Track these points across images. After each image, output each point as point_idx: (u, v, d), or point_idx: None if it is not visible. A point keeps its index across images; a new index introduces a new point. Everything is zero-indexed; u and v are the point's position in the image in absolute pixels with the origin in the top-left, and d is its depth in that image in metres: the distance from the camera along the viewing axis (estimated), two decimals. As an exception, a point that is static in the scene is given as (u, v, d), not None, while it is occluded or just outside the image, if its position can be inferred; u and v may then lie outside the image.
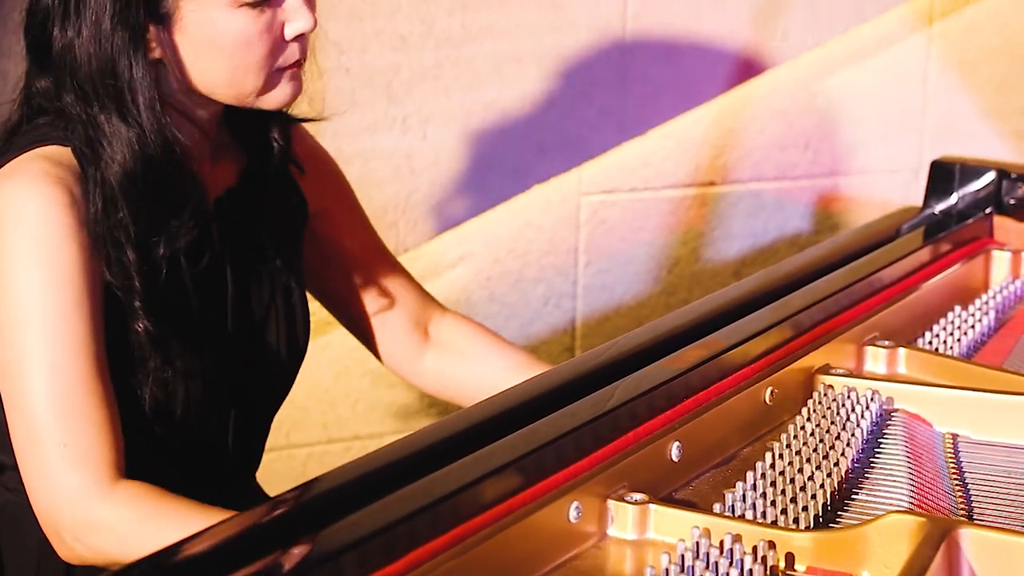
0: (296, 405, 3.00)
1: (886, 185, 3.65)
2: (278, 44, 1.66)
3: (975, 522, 1.38)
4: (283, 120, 1.81)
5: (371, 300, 1.98)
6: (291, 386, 1.89)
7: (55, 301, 1.59)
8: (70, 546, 1.60)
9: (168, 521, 1.55)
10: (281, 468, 3.05)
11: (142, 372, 1.67)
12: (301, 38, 1.68)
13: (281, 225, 1.83)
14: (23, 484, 1.71)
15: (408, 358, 2.01)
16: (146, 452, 1.67)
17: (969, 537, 1.27)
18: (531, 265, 3.27)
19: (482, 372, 1.99)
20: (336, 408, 3.15)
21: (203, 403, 1.73)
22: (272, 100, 1.69)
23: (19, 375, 1.60)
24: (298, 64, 1.69)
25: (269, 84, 1.68)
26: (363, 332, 2.00)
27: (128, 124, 1.63)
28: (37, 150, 1.64)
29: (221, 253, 1.76)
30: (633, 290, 3.42)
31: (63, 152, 1.64)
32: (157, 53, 1.64)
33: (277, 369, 1.85)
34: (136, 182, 1.63)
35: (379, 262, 1.99)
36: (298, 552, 1.12)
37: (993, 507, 1.45)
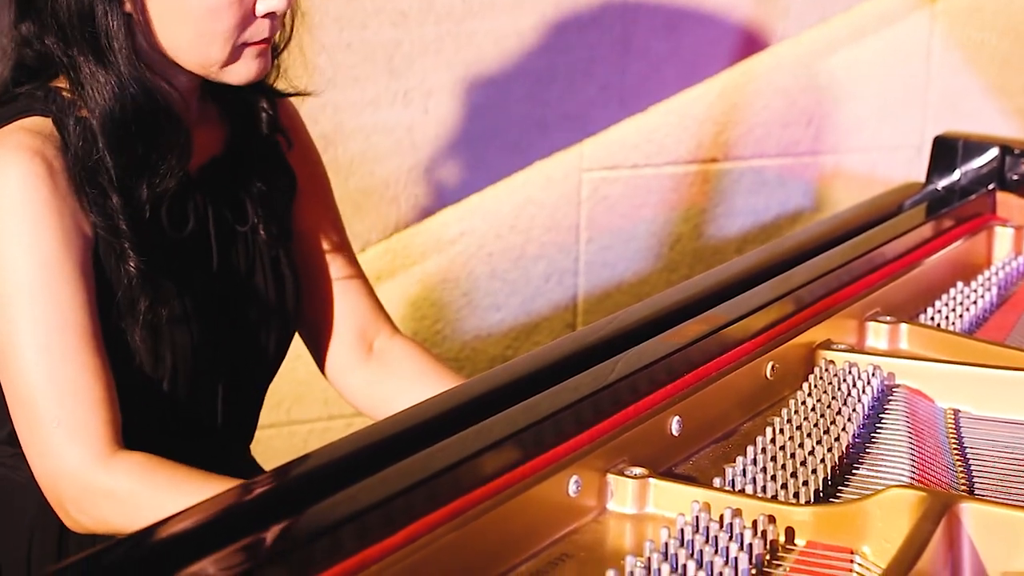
0: (297, 381, 3.00)
1: (888, 162, 3.64)
2: (247, 18, 1.65)
3: (976, 496, 1.38)
4: (271, 94, 1.81)
5: (322, 300, 1.93)
6: (282, 357, 1.87)
7: (42, 277, 1.59)
8: (74, 517, 1.61)
9: (171, 490, 1.56)
10: (282, 444, 3.05)
11: (131, 317, 1.66)
12: (273, 16, 1.67)
13: (268, 195, 1.81)
14: (14, 459, 1.72)
15: (344, 368, 1.95)
16: (139, 420, 1.66)
17: (970, 511, 1.26)
18: (532, 241, 3.26)
19: (413, 395, 1.88)
20: (337, 384, 3.14)
21: (192, 361, 1.71)
22: (236, 74, 1.68)
23: (11, 353, 1.60)
24: (266, 42, 1.68)
25: (233, 57, 1.66)
26: (306, 329, 1.95)
27: (107, 69, 1.63)
28: (16, 123, 1.63)
29: (205, 220, 1.75)
30: (635, 267, 3.41)
31: (43, 123, 1.64)
32: (128, 7, 1.63)
33: (266, 338, 1.83)
34: (117, 125, 1.63)
35: (342, 264, 1.93)
36: (297, 524, 1.11)
37: (994, 482, 1.45)
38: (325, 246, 1.92)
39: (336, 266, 1.93)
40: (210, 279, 1.75)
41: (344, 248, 1.95)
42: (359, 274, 1.96)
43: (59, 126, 1.63)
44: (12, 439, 1.71)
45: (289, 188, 1.86)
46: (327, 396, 3.12)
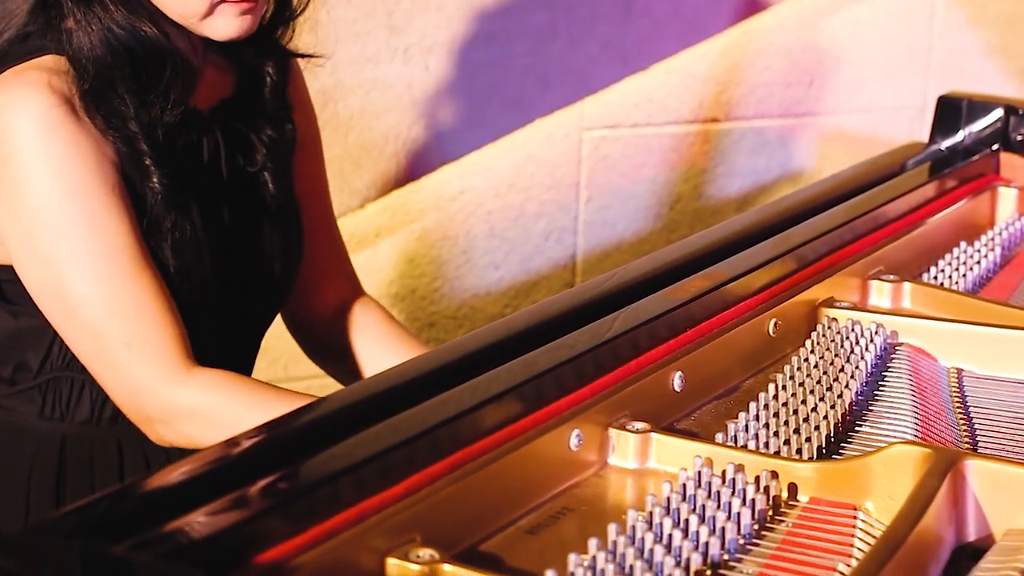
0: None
1: (891, 123, 3.62)
2: None
3: (981, 453, 1.37)
4: (278, 54, 1.81)
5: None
6: (286, 299, 1.88)
7: (80, 205, 1.60)
8: (160, 434, 1.63)
9: (252, 406, 1.57)
10: (279, 401, 3.03)
11: (159, 235, 1.66)
12: None
13: (276, 141, 1.81)
14: (12, 399, 1.73)
15: (306, 318, 1.95)
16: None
17: (975, 468, 1.25)
18: (532, 200, 3.25)
19: (371, 359, 1.93)
20: (335, 341, 3.13)
21: (208, 288, 1.72)
22: (215, 29, 1.66)
23: (66, 287, 1.61)
24: (249, 1, 1.66)
25: (212, 11, 1.65)
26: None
27: (107, 11, 1.63)
28: (31, 61, 1.64)
29: (217, 157, 1.75)
30: (634, 226, 3.40)
31: (57, 60, 1.64)
32: None
33: (272, 274, 1.83)
34: (124, 59, 1.63)
35: (321, 227, 1.93)
36: (295, 475, 1.10)
37: (997, 441, 1.44)
38: (311, 205, 1.91)
39: (318, 227, 1.92)
40: (221, 213, 1.75)
41: (327, 208, 1.95)
42: (337, 237, 1.97)
43: (73, 62, 1.64)
44: (14, 378, 1.72)
45: (292, 139, 1.85)
46: (325, 353, 3.10)
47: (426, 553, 1.09)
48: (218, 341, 1.76)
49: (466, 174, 3.17)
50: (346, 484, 1.11)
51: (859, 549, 1.19)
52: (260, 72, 1.80)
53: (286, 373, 3.05)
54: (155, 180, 1.65)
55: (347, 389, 1.31)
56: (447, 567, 1.08)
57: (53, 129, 1.59)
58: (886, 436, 1.40)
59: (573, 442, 1.29)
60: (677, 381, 1.44)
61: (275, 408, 1.52)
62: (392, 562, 1.08)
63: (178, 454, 1.75)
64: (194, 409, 1.60)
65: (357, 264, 3.08)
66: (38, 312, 1.67)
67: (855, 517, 1.24)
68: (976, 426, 1.48)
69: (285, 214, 1.83)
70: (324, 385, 3.11)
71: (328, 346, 1.96)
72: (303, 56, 1.86)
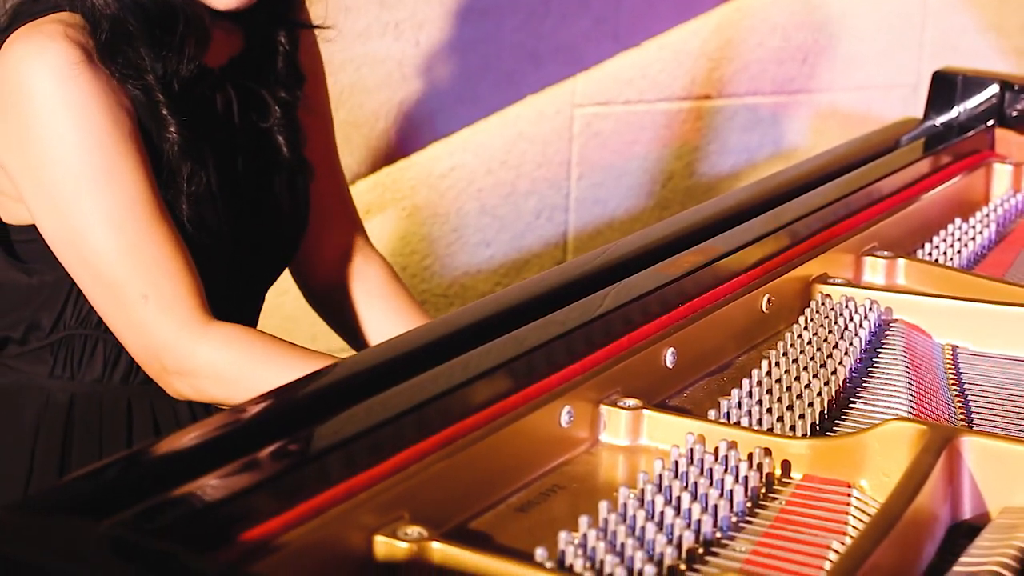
0: (285, 316, 2.98)
1: (884, 101, 3.61)
2: None
3: (977, 430, 1.35)
4: (289, 25, 1.81)
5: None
6: (291, 258, 1.89)
7: (100, 157, 1.59)
8: (177, 388, 1.62)
9: (270, 364, 1.57)
10: (269, 379, 3.02)
11: (175, 187, 1.66)
12: None
13: (287, 102, 1.82)
14: (19, 359, 1.74)
15: (312, 275, 1.96)
16: None
17: (971, 445, 1.24)
18: (523, 177, 3.23)
19: (374, 319, 1.94)
20: (325, 319, 3.11)
21: (221, 243, 1.72)
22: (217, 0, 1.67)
23: (84, 239, 1.60)
24: None
25: None
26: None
27: None
28: (48, 17, 1.63)
29: (229, 114, 1.76)
30: (626, 204, 3.38)
31: (73, 16, 1.64)
32: None
33: (279, 232, 1.84)
34: (139, 15, 1.63)
35: (326, 173, 1.93)
36: (283, 451, 1.08)
37: (993, 418, 1.42)
38: (320, 161, 1.91)
39: (327, 183, 1.93)
40: (235, 166, 1.75)
41: (335, 166, 1.96)
42: (347, 194, 1.98)
43: (88, 18, 1.63)
44: (26, 338, 1.73)
45: (298, 92, 1.85)
46: (315, 331, 3.09)
47: (415, 531, 1.08)
48: (226, 297, 1.76)
49: (457, 151, 3.15)
50: (334, 461, 1.09)
51: (853, 527, 1.18)
52: (272, 41, 1.80)
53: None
54: (172, 130, 1.65)
55: (336, 365, 1.29)
56: (436, 545, 1.06)
57: (71, 79, 1.59)
58: (880, 413, 1.39)
59: (564, 419, 1.28)
60: (669, 357, 1.43)
61: (292, 365, 1.54)
62: (380, 540, 1.07)
63: (187, 413, 1.77)
64: (212, 364, 1.59)
65: (347, 241, 3.08)
66: (52, 271, 1.67)
67: (849, 494, 1.23)
68: (971, 403, 1.46)
69: (296, 175, 1.84)
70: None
71: (329, 293, 1.97)
72: (311, 27, 1.87)
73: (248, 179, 1.78)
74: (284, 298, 3.00)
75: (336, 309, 1.98)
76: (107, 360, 1.73)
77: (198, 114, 1.70)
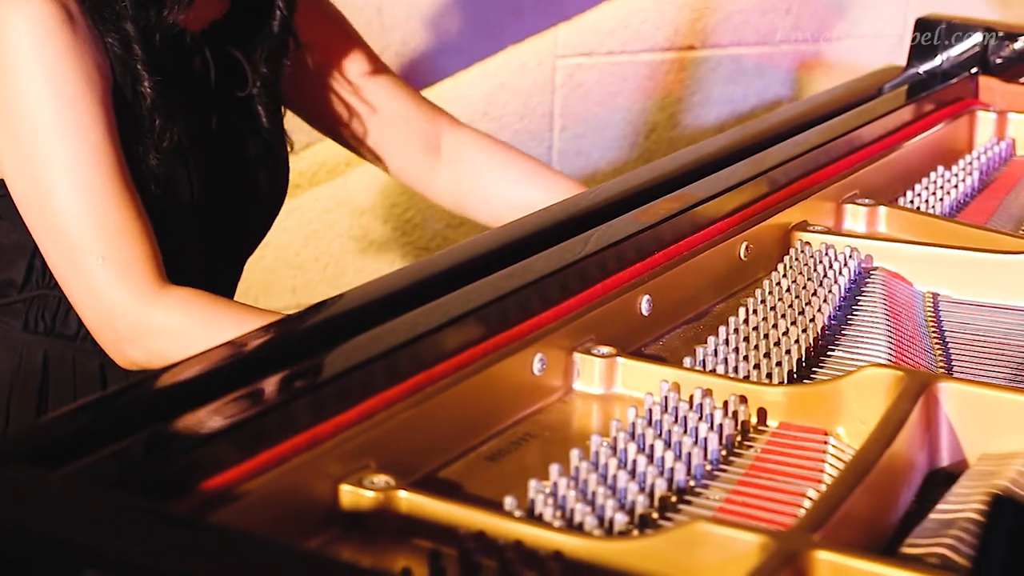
0: (265, 269, 2.96)
1: (869, 51, 3.58)
2: None
3: (955, 376, 1.33)
4: None
5: (376, 124, 1.96)
6: (269, 225, 1.88)
7: (70, 115, 1.58)
8: (129, 355, 1.60)
9: (227, 325, 1.54)
10: (249, 333, 2.99)
11: (147, 140, 1.65)
12: None
13: (270, 65, 1.81)
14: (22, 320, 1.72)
15: (420, 176, 2.00)
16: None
17: (949, 391, 1.22)
18: (505, 129, 3.20)
19: (496, 185, 1.99)
20: (305, 272, 3.10)
21: (191, 206, 1.71)
22: None
23: (46, 196, 1.58)
24: None
25: None
26: (373, 156, 1.99)
27: None
28: None
29: (206, 80, 1.74)
30: (608, 156, 3.36)
31: None
32: None
33: (258, 198, 1.83)
34: None
35: (381, 84, 1.96)
36: (247, 397, 1.06)
37: (973, 366, 1.40)
38: (361, 72, 1.95)
39: (378, 85, 1.96)
40: (208, 129, 1.74)
41: (378, 66, 1.98)
42: (400, 84, 2.00)
43: None
44: (2, 291, 1.72)
45: (284, 52, 1.84)
46: (295, 284, 3.07)
47: (381, 480, 1.06)
48: (201, 263, 1.75)
49: (438, 102, 3.09)
50: (299, 407, 1.07)
51: (829, 475, 1.16)
52: (262, 5, 1.79)
53: (256, 304, 3.01)
54: (146, 84, 1.64)
55: (304, 310, 1.27)
56: (403, 494, 1.04)
57: (48, 34, 1.57)
58: (859, 360, 1.36)
59: (536, 366, 1.25)
60: (644, 305, 1.40)
61: (248, 326, 1.50)
62: (345, 488, 1.04)
63: None
64: (166, 327, 1.57)
65: (327, 193, 3.06)
66: (22, 228, 1.65)
67: (826, 442, 1.21)
68: (951, 350, 1.44)
69: (272, 147, 1.83)
70: (294, 317, 3.08)
71: (454, 194, 2.01)
72: None
73: (222, 143, 1.76)
74: (264, 251, 2.98)
75: (461, 195, 2.00)
76: (80, 320, 1.70)
77: (175, 75, 1.69)
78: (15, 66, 1.57)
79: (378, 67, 1.98)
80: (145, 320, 1.58)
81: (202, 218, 1.73)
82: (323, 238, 3.07)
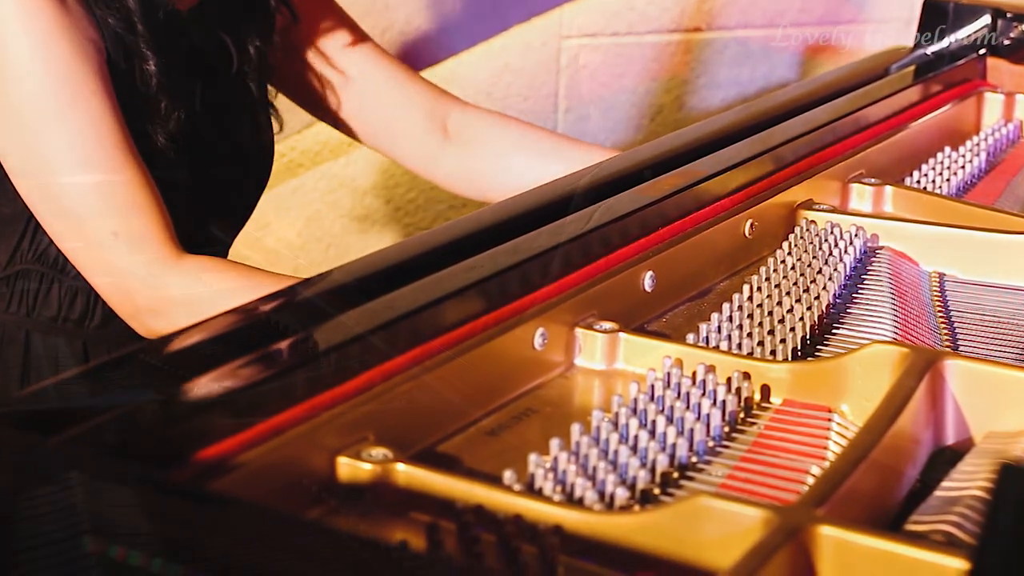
0: (266, 249, 2.94)
1: (877, 35, 3.56)
2: None
3: (961, 354, 1.32)
4: None
5: (379, 108, 1.93)
6: (255, 203, 1.86)
7: (66, 90, 1.55)
8: (150, 326, 1.58)
9: (247, 291, 1.51)
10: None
11: (157, 118, 1.64)
12: None
13: (258, 45, 1.79)
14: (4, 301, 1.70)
15: (428, 158, 1.96)
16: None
17: (955, 368, 1.20)
18: (509, 110, 3.18)
19: (516, 164, 1.94)
20: (308, 253, 3.08)
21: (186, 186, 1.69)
22: None
23: (49, 172, 1.56)
24: None
25: None
26: (378, 141, 1.97)
27: None
28: None
29: (192, 60, 1.72)
30: (614, 138, 3.34)
31: None
32: None
33: (247, 170, 1.82)
34: None
35: (380, 68, 1.93)
36: (245, 368, 1.05)
37: (978, 345, 1.39)
38: (359, 58, 1.92)
39: (377, 70, 1.93)
40: (194, 112, 1.72)
41: (376, 51, 1.95)
42: (400, 67, 1.97)
43: None
44: None
45: (270, 27, 1.82)
46: (296, 264, 3.06)
47: (379, 452, 1.04)
48: (192, 241, 1.72)
49: (441, 82, 3.07)
50: (298, 378, 1.06)
51: (833, 452, 1.14)
52: None
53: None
54: (151, 64, 1.62)
55: (303, 280, 1.26)
56: (401, 467, 1.03)
57: (37, 9, 1.55)
58: (864, 338, 1.35)
59: (538, 341, 1.24)
60: (648, 281, 1.39)
61: (269, 290, 1.50)
62: (343, 461, 1.03)
63: None
64: (186, 296, 1.56)
65: (330, 173, 3.04)
66: (10, 204, 1.63)
67: (830, 419, 1.19)
68: (957, 330, 1.43)
69: (259, 123, 1.82)
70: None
71: (461, 175, 1.96)
72: None
73: (214, 118, 1.75)
74: (266, 231, 2.96)
75: (469, 176, 1.96)
76: (62, 301, 1.69)
77: (167, 52, 1.67)
78: (5, 40, 1.55)
79: (375, 52, 1.95)
80: (165, 290, 1.56)
81: (191, 194, 1.71)
82: (325, 218, 3.06)
